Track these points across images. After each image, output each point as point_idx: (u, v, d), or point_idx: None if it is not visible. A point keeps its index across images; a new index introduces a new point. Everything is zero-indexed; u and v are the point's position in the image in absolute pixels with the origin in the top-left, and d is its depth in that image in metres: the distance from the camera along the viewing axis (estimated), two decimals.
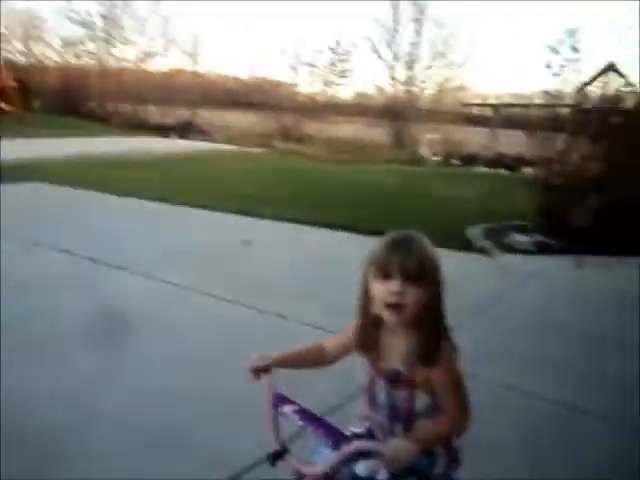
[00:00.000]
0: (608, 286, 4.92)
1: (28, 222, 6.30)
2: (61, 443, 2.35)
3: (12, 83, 26.27)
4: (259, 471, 2.09)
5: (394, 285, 1.29)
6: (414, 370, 1.35)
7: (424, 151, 16.37)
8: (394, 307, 1.30)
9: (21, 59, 31.52)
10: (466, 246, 5.98)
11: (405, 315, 1.31)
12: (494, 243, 6.12)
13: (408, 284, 1.29)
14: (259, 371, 1.43)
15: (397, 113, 18.84)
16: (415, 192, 9.70)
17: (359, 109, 22.68)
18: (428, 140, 16.68)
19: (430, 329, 1.33)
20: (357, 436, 1.43)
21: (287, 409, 1.33)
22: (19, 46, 30.70)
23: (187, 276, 4.58)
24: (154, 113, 25.99)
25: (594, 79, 7.08)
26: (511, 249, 5.98)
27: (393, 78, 21.14)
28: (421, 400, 1.38)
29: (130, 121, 25.27)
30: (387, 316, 1.33)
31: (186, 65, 27.67)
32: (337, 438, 1.25)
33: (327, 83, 23.82)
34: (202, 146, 16.97)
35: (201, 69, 27.74)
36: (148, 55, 27.45)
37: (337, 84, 24.00)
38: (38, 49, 31.18)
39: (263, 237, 6.01)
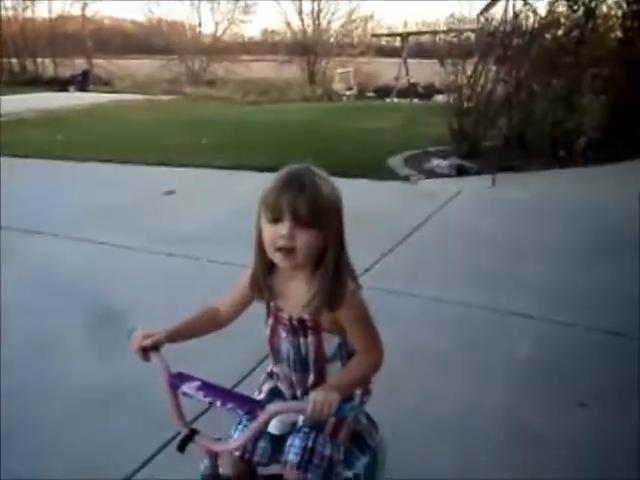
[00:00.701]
0: (520, 198, 5.24)
1: None
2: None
3: None
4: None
5: (283, 228, 1.19)
6: (319, 315, 1.28)
7: (338, 86, 16.23)
8: (284, 251, 1.21)
9: None
10: (389, 175, 6.11)
11: (297, 259, 1.22)
12: (415, 170, 6.30)
13: (299, 227, 1.19)
14: (147, 351, 1.27)
15: (307, 48, 18.43)
16: (333, 127, 9.68)
17: (268, 47, 22.00)
18: (341, 74, 16.53)
19: (331, 272, 1.24)
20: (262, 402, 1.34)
21: (188, 387, 1.19)
22: None
23: (111, 232, 4.39)
24: (47, 66, 23.89)
25: (495, 2, 7.21)
26: (432, 174, 6.17)
27: (300, 12, 20.57)
28: (330, 343, 1.33)
29: (20, 76, 23.12)
30: (278, 260, 1.24)
31: (74, 10, 25.34)
32: (250, 407, 1.17)
33: (231, 20, 22.80)
34: (105, 98, 15.89)
35: (90, 13, 25.50)
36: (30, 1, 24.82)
37: (242, 21, 23.03)
38: None
39: (186, 186, 5.83)
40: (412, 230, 4.37)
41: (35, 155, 7.49)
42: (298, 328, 1.31)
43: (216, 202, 5.30)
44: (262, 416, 1.13)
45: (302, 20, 20.54)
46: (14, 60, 24.40)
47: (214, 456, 1.20)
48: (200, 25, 24.04)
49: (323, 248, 1.24)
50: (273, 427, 1.32)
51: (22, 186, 6.01)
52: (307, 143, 7.94)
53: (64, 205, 5.25)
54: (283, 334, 1.34)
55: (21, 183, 6.16)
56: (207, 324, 1.40)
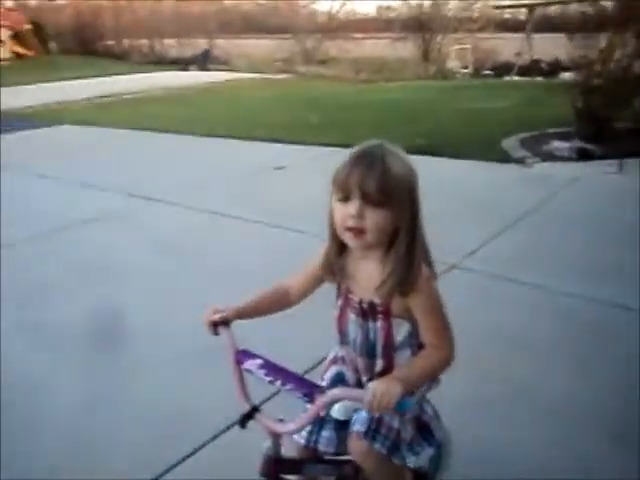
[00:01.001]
0: None
1: (62, 162, 6.40)
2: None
3: (27, 26, 25.89)
4: None
5: (352, 207, 1.16)
6: (390, 299, 1.23)
7: (453, 64, 15.61)
8: (354, 230, 1.18)
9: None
10: (503, 157, 5.81)
11: (367, 239, 1.18)
12: (532, 152, 5.91)
13: (368, 206, 1.15)
14: (216, 325, 1.28)
15: (423, 24, 17.83)
16: (447, 106, 9.33)
17: (382, 24, 21.62)
18: (457, 51, 15.85)
19: (403, 254, 1.19)
20: (325, 386, 1.32)
21: (251, 365, 1.19)
22: None
23: (225, 203, 4.64)
24: (172, 46, 25.38)
25: None
26: (551, 157, 5.77)
27: None
28: (401, 330, 1.27)
29: (148, 56, 24.78)
30: (348, 239, 1.20)
31: None
32: (309, 390, 1.14)
33: None
34: (223, 76, 16.59)
35: None
36: None
37: None
38: None
39: (296, 162, 5.96)
40: (523, 215, 4.14)
41: (158, 129, 8.04)
42: (368, 312, 1.27)
43: (324, 179, 5.35)
44: (320, 400, 1.10)
45: None
46: (144, 41, 26.20)
47: (277, 437, 1.20)
48: (315, 3, 24.18)
49: (395, 229, 1.19)
50: (337, 412, 1.29)
51: (148, 157, 6.51)
52: (419, 122, 7.75)
53: (184, 176, 5.61)
54: (352, 317, 1.30)
55: (147, 154, 6.68)
56: (276, 303, 1.39)
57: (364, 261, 1.26)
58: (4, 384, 2.36)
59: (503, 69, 15.00)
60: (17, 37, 26.11)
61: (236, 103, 11.09)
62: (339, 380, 1.37)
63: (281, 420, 1.21)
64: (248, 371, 1.20)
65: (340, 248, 1.27)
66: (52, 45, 27.54)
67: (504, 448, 1.86)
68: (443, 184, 4.96)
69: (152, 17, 26.08)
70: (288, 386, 1.15)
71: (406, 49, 18.24)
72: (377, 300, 1.24)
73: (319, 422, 1.32)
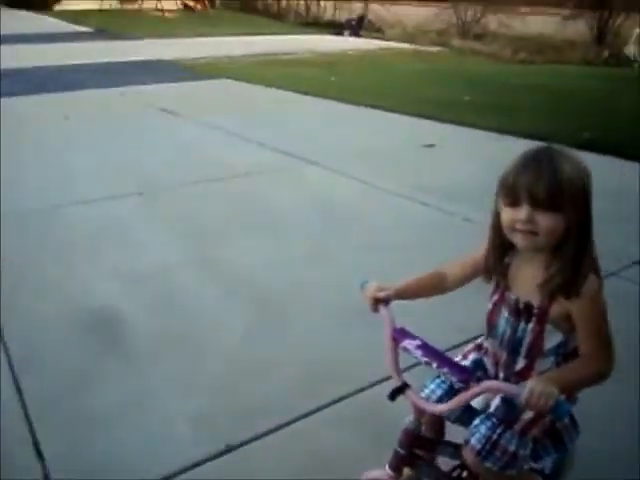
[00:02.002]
0: None
1: (226, 115, 6.81)
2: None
3: None
4: None
5: (522, 213, 1.18)
6: (549, 303, 1.22)
7: (632, 49, 14.00)
8: (524, 232, 1.19)
9: None
10: None
11: (538, 241, 1.20)
12: None
13: (538, 211, 1.16)
14: (378, 302, 1.35)
15: (603, 0, 16.11)
16: (616, 99, 8.46)
17: None
18: (639, 35, 14.17)
19: (571, 256, 1.18)
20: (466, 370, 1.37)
21: (409, 344, 1.26)
22: None
23: (373, 174, 4.68)
24: (327, 8, 25.56)
25: None
26: None
27: None
28: (552, 338, 1.26)
29: (304, 17, 25.22)
30: (518, 240, 1.22)
31: None
32: (465, 377, 1.21)
33: None
34: (376, 44, 16.43)
35: None
36: None
37: None
38: None
39: (444, 141, 5.79)
40: None
41: (311, 93, 8.22)
42: (523, 312, 1.28)
43: (474, 163, 5.17)
44: (475, 389, 1.15)
45: None
46: (301, 1, 26.65)
47: (420, 414, 1.29)
48: None
49: (565, 232, 1.19)
50: (476, 401, 1.33)
51: (303, 119, 6.72)
52: (581, 114, 7.12)
53: (335, 141, 5.73)
54: (505, 313, 1.32)
55: (302, 117, 6.89)
56: (433, 288, 1.45)
57: (528, 262, 1.27)
58: (179, 315, 2.61)
59: None
60: None
61: (388, 74, 10.95)
62: (479, 366, 1.42)
63: (427, 398, 1.32)
64: (405, 349, 1.27)
65: (503, 249, 1.29)
66: (217, 1, 29.02)
67: None
68: (610, 185, 4.54)
69: None
70: (444, 369, 1.21)
71: (577, 29, 16.68)
72: (535, 302, 1.25)
73: (453, 392, 1.38)
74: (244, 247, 3.38)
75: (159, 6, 25.40)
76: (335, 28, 20.94)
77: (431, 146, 5.52)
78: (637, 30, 13.98)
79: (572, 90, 9.21)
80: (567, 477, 1.57)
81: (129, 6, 26.90)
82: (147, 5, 26.34)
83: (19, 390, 2.12)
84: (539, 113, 7.10)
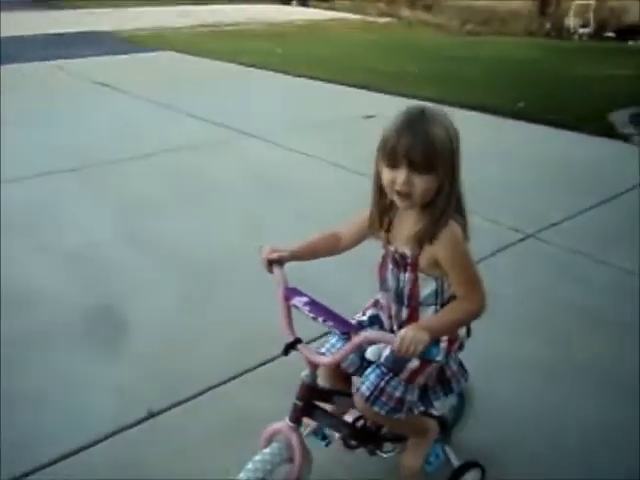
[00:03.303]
0: None
1: (166, 88, 6.65)
2: None
3: None
4: None
5: (400, 175, 1.26)
6: (418, 251, 1.32)
7: (571, 21, 14.34)
8: (403, 194, 1.28)
9: None
10: (608, 132, 5.40)
11: (413, 201, 1.29)
12: None
13: (415, 173, 1.25)
14: (272, 263, 1.43)
15: None
16: (556, 70, 8.70)
17: None
18: (578, 7, 14.51)
19: (439, 211, 1.29)
20: (362, 324, 1.48)
21: (297, 301, 1.33)
22: None
23: (312, 145, 4.70)
24: None
25: None
26: None
27: None
28: (428, 286, 1.36)
29: None
30: (397, 201, 1.31)
31: None
32: (347, 328, 1.29)
33: None
34: (324, 15, 16.24)
35: None
36: None
37: None
38: None
39: (387, 113, 5.83)
40: (618, 193, 3.90)
41: (256, 65, 8.10)
42: (400, 262, 1.37)
43: None
44: (355, 339, 1.25)
45: None
46: None
47: (314, 367, 1.36)
48: None
49: (436, 190, 1.28)
50: (370, 353, 1.44)
51: (244, 92, 6.63)
52: (523, 84, 7.30)
53: (276, 114, 5.70)
54: (390, 266, 1.41)
55: (244, 89, 6.79)
56: (328, 249, 1.51)
57: (404, 215, 1.37)
58: (108, 289, 2.60)
59: (629, 33, 13.61)
60: None
61: (335, 45, 10.88)
62: (374, 322, 1.50)
63: (322, 354, 1.39)
64: (295, 306, 1.34)
65: (384, 206, 1.38)
66: None
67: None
68: (537, 153, 4.75)
69: None
70: (329, 323, 1.29)
71: (522, 2, 16.95)
72: (407, 252, 1.34)
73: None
74: (176, 220, 3.37)
75: None
76: None
77: (371, 117, 5.55)
78: (576, 1, 14.30)
79: (513, 61, 9.42)
80: (465, 419, 1.71)
81: None
82: None
83: None
84: (479, 84, 7.24)
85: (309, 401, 1.39)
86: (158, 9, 16.16)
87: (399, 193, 1.28)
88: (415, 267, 1.35)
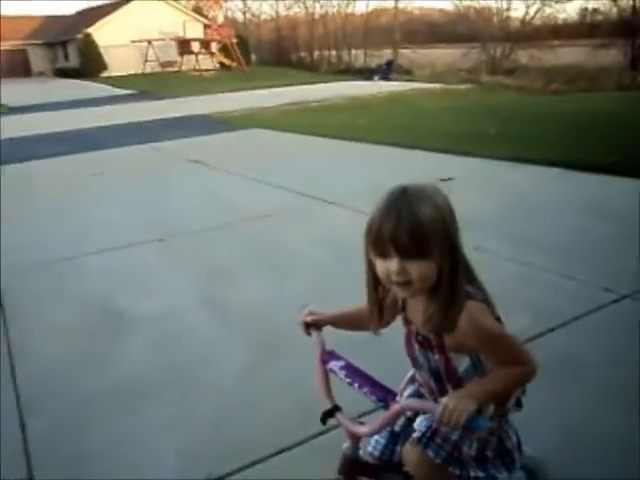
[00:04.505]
0: None
1: (252, 162, 7.01)
2: None
3: (234, 40, 28.91)
4: None
5: (392, 264, 1.13)
6: (439, 335, 1.21)
7: None
8: (401, 284, 1.15)
9: (240, 16, 34.30)
10: None
11: (414, 290, 1.16)
12: None
13: (407, 260, 1.12)
14: (309, 326, 1.38)
15: (636, 28, 15.92)
16: None
17: (585, 29, 19.82)
18: None
19: (444, 297, 1.15)
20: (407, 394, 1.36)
21: (334, 365, 1.27)
22: (239, 3, 33.36)
23: None
24: (358, 56, 26.31)
25: None
26: None
27: None
28: (463, 362, 1.24)
29: (336, 66, 26.00)
30: (396, 292, 1.20)
31: (388, 3, 27.15)
32: (384, 396, 1.20)
33: (545, 2, 21.18)
34: (404, 86, 16.70)
35: (402, 5, 26.95)
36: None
37: (557, 1, 21.18)
38: (255, 4, 33.47)
39: (465, 174, 5.73)
40: None
41: (338, 136, 8.37)
42: (425, 343, 1.27)
43: (489, 193, 5.10)
44: (394, 407, 1.14)
45: None
46: (333, 52, 27.58)
47: (356, 439, 1.25)
48: (509, 10, 23.08)
49: (439, 272, 1.15)
50: (418, 424, 1.30)
51: (327, 162, 6.82)
52: (613, 140, 6.92)
53: (354, 180, 5.77)
54: (416, 346, 1.30)
55: (326, 160, 7.00)
56: (361, 323, 1.36)
57: (412, 300, 1.26)
58: (180, 353, 2.63)
59: None
60: (224, 49, 29.31)
61: (415, 113, 11.07)
62: (417, 397, 1.39)
63: (362, 423, 1.25)
64: (332, 371, 1.28)
65: (380, 300, 1.27)
66: (253, 57, 30.39)
67: None
68: (629, 207, 4.37)
69: (343, 29, 27.32)
70: (365, 389, 1.22)
71: (609, 57, 16.49)
72: (430, 335, 1.24)
73: (394, 436, 1.36)
74: (252, 286, 3.39)
75: (197, 66, 26.79)
76: (366, 74, 21.49)
77: (449, 179, 5.46)
78: None
79: (601, 115, 9.02)
80: None
81: (169, 69, 28.49)
82: (186, 66, 27.84)
83: (23, 427, 2.17)
84: (561, 140, 6.97)
85: (352, 476, 1.29)
86: (250, 92, 17.42)
87: (397, 283, 1.16)
88: (443, 349, 1.23)
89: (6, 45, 34.72)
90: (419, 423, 1.29)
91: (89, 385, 2.46)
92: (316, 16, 28.97)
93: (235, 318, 3.02)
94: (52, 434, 2.15)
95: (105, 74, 28.84)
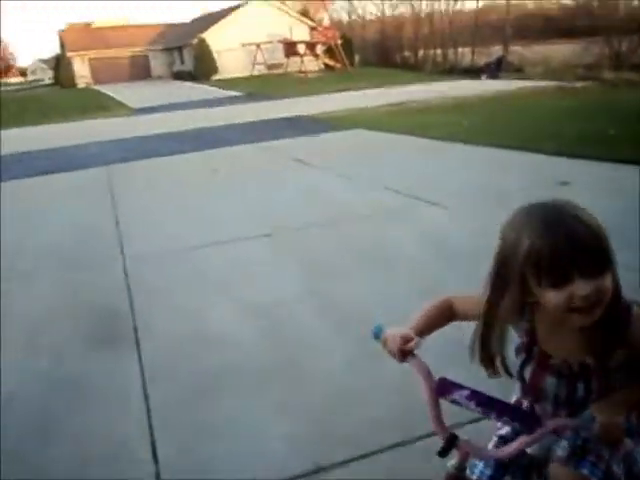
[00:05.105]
0: None
1: (355, 162, 7.11)
2: None
3: (338, 41, 29.27)
4: None
5: (582, 288, 0.99)
6: (608, 357, 1.09)
7: None
8: (587, 309, 1.02)
9: (345, 16, 34.64)
10: None
11: (598, 313, 1.03)
12: None
13: (594, 280, 1.00)
14: (406, 354, 1.19)
15: None
16: None
17: None
18: None
19: (616, 310, 1.05)
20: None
21: (458, 395, 1.12)
22: (344, 4, 33.68)
23: (498, 213, 4.50)
24: (466, 54, 25.57)
25: None
26: None
27: None
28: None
29: (441, 66, 25.46)
30: (574, 320, 1.05)
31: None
32: (528, 421, 1.08)
33: None
34: (514, 84, 15.99)
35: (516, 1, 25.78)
36: None
37: None
38: (360, 4, 33.66)
39: (584, 178, 5.42)
40: None
41: (441, 138, 8.24)
42: (578, 374, 1.14)
43: (613, 200, 4.77)
44: (541, 430, 1.06)
45: None
46: (438, 51, 27.01)
47: (464, 458, 1.16)
48: None
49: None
50: (560, 450, 1.19)
51: (426, 165, 6.74)
52: None
53: (461, 184, 5.68)
54: (550, 378, 1.17)
55: (426, 162, 6.93)
56: (445, 321, 1.32)
57: (552, 329, 1.13)
58: (287, 344, 2.77)
59: None
60: (329, 51, 29.78)
61: (524, 113, 10.59)
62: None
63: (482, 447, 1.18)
64: (456, 402, 1.15)
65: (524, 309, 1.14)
66: (357, 58, 30.58)
67: None
68: None
69: (450, 28, 26.69)
70: (505, 417, 1.11)
71: None
72: (590, 360, 1.12)
73: (501, 467, 1.25)
74: (357, 283, 3.46)
75: (302, 68, 27.45)
76: (473, 73, 20.84)
77: (566, 184, 5.20)
78: None
79: None
80: None
81: (276, 71, 29.46)
82: (291, 68, 28.63)
83: (146, 397, 2.41)
84: None
85: None
86: (354, 93, 17.57)
87: (580, 310, 1.03)
88: (606, 372, 1.12)
89: (130, 51, 37.77)
90: (556, 444, 1.20)
91: (207, 361, 2.67)
92: (422, 15, 28.56)
93: (341, 313, 3.11)
94: (171, 407, 2.36)
95: (217, 77, 30.41)
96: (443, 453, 1.16)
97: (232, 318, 3.14)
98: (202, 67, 31.18)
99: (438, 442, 1.97)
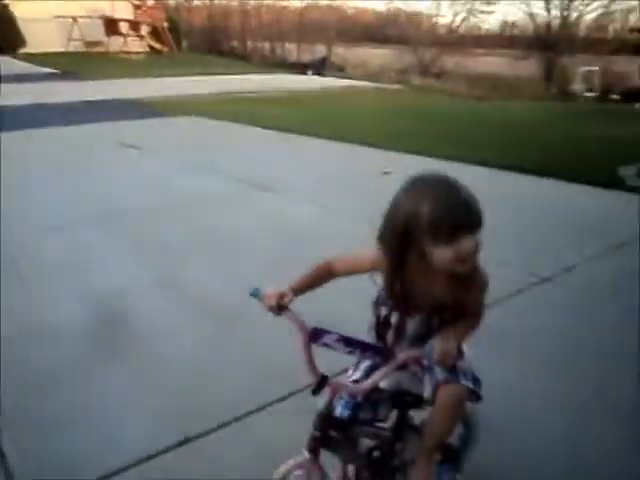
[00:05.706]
0: None
1: (187, 149, 6.98)
2: None
3: (164, 23, 28.04)
4: None
5: (468, 243, 1.23)
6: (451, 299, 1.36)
7: (577, 86, 14.85)
8: (471, 259, 1.27)
9: None
10: (618, 185, 5.58)
11: (475, 261, 1.30)
12: None
13: (477, 233, 1.24)
14: (281, 308, 1.37)
15: (549, 44, 17.15)
16: (563, 130, 8.98)
17: (505, 41, 21.04)
18: (583, 73, 15.06)
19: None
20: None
21: (328, 339, 1.29)
22: None
23: (333, 200, 4.89)
24: (292, 50, 26.36)
25: None
26: None
27: (548, 1, 18.96)
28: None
29: (268, 59, 25.93)
30: (459, 268, 1.27)
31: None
32: (385, 354, 1.35)
33: (471, 12, 22.25)
34: (338, 83, 17.01)
35: (337, 2, 27.29)
36: None
37: (482, 12, 22.29)
38: None
39: (403, 169, 6.05)
40: (624, 243, 3.99)
41: (274, 127, 8.48)
42: (434, 313, 1.40)
43: None
44: (394, 361, 1.32)
45: (549, 11, 18.96)
46: (266, 44, 27.44)
47: (332, 397, 1.36)
48: (437, 16, 24.01)
49: None
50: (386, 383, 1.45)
51: (263, 151, 6.93)
52: (530, 143, 7.55)
53: (292, 171, 5.94)
54: (412, 320, 1.42)
55: (262, 149, 7.10)
56: (323, 279, 1.49)
57: (419, 277, 1.34)
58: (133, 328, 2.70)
59: (633, 95, 14.05)
60: (154, 33, 28.37)
61: (349, 109, 11.36)
62: (374, 369, 1.45)
63: (353, 382, 1.43)
64: (327, 345, 1.31)
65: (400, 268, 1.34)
66: (184, 43, 29.62)
67: None
68: (551, 206, 4.87)
69: (276, 22, 27.26)
70: (367, 354, 1.35)
71: (527, 68, 17.65)
72: (448, 299, 1.36)
73: (357, 405, 1.44)
74: (198, 266, 3.49)
75: (125, 48, 25.79)
76: (298, 68, 21.61)
77: (387, 173, 5.76)
78: (582, 69, 14.88)
79: (520, 121, 9.76)
80: (472, 448, 1.68)
81: (95, 49, 27.21)
82: (113, 48, 26.72)
83: None
84: (487, 142, 7.50)
85: (326, 432, 1.39)
86: (182, 79, 17.05)
87: (464, 261, 1.25)
88: (456, 313, 1.39)
89: None
90: (429, 374, 1.41)
91: (51, 355, 2.48)
92: (249, 7, 28.70)
93: (185, 295, 3.11)
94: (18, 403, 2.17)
95: (25, 50, 27.06)
96: (316, 391, 1.32)
97: (69, 307, 2.95)
98: (4, 37, 27.46)
99: (293, 405, 2.15)
